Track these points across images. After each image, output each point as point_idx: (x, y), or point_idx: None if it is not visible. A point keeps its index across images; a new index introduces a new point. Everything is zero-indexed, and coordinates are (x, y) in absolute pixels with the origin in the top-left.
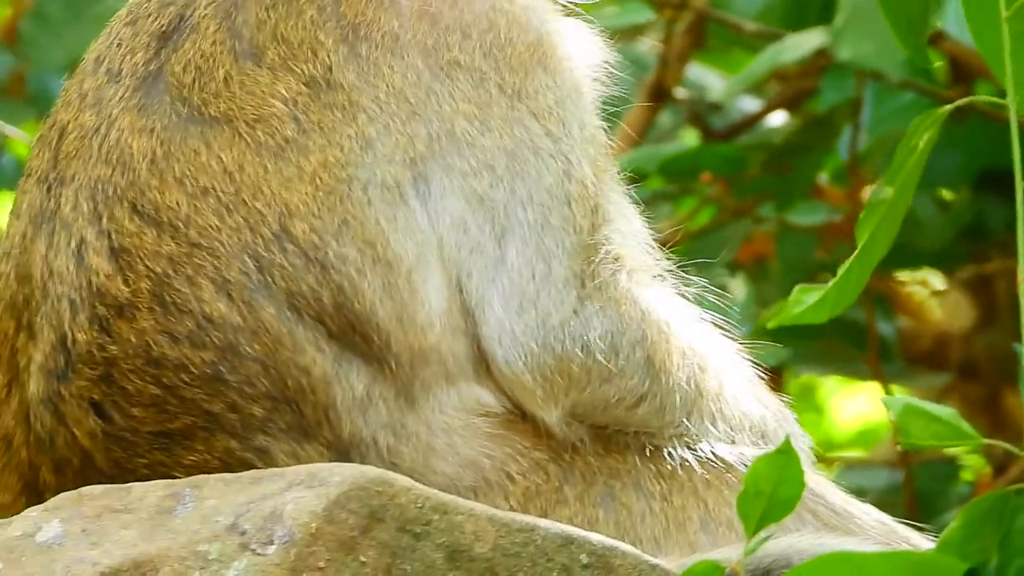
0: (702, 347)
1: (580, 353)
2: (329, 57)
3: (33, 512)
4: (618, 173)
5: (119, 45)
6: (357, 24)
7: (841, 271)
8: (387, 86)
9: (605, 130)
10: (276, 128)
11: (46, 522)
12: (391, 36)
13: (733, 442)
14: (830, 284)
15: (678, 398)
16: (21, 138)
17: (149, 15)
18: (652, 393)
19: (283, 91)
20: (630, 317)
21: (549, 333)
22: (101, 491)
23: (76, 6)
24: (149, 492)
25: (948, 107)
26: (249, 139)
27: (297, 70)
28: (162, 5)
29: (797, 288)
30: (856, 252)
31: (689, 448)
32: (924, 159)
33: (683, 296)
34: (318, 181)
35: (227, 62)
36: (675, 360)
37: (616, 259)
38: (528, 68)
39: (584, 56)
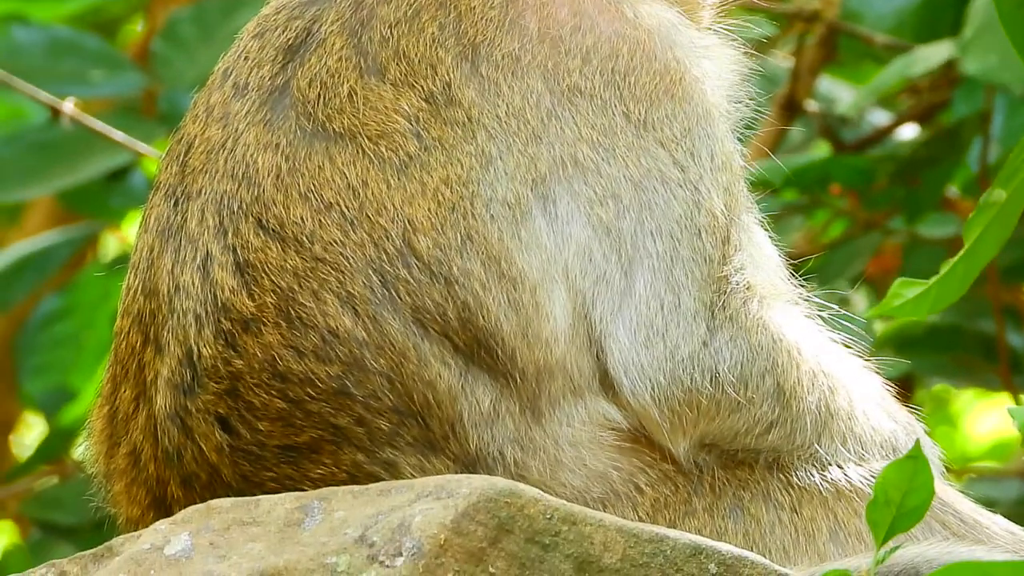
0: (833, 368)
1: (709, 385)
2: (449, 74)
3: (162, 525)
4: (750, 190)
5: (246, 58)
6: (477, 44)
7: (945, 269)
8: (507, 106)
9: (740, 152)
10: (399, 144)
11: (175, 535)
12: (511, 57)
13: (863, 459)
14: (932, 280)
15: (808, 422)
16: (152, 155)
17: (277, 28)
18: (782, 420)
19: (405, 107)
20: (760, 345)
21: (678, 366)
22: (230, 504)
23: (208, 25)
24: (277, 505)
25: None
26: (372, 155)
27: (418, 86)
28: (290, 19)
29: (898, 281)
30: (962, 251)
31: (819, 470)
32: None
33: (815, 314)
34: (440, 197)
35: (352, 78)
36: (805, 384)
37: (748, 287)
38: (654, 97)
39: (718, 75)
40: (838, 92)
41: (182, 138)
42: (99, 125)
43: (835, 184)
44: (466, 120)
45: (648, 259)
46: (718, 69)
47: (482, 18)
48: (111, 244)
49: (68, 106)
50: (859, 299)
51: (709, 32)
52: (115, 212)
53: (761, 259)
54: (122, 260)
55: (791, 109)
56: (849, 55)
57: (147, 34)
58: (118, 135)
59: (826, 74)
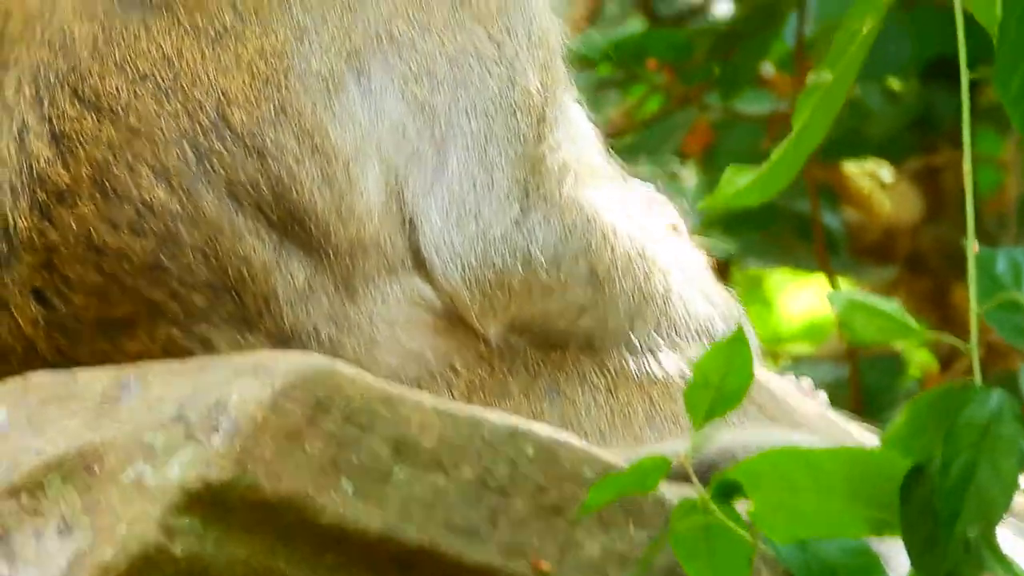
0: (650, 248)
1: (521, 267)
2: None
3: None
4: (567, 65)
5: None
6: None
7: (775, 154)
8: None
9: (558, 28)
10: (214, 14)
11: None
12: None
13: (678, 344)
14: (763, 167)
15: (621, 307)
16: None
17: None
18: (595, 303)
19: None
20: (574, 225)
21: (489, 246)
22: (47, 378)
23: None
24: (95, 380)
25: None
26: (188, 25)
27: None
28: None
29: (729, 169)
30: (791, 136)
31: (633, 355)
32: (867, 45)
33: (635, 185)
34: (255, 69)
35: None
36: (620, 267)
37: (563, 166)
38: None
39: None
40: None
41: (1, 7)
42: None
43: (651, 59)
44: None
45: (462, 137)
46: None
47: None
48: None
49: None
50: (687, 174)
51: None
52: None
53: (578, 137)
54: None
55: None
56: None
57: None
58: None
59: None
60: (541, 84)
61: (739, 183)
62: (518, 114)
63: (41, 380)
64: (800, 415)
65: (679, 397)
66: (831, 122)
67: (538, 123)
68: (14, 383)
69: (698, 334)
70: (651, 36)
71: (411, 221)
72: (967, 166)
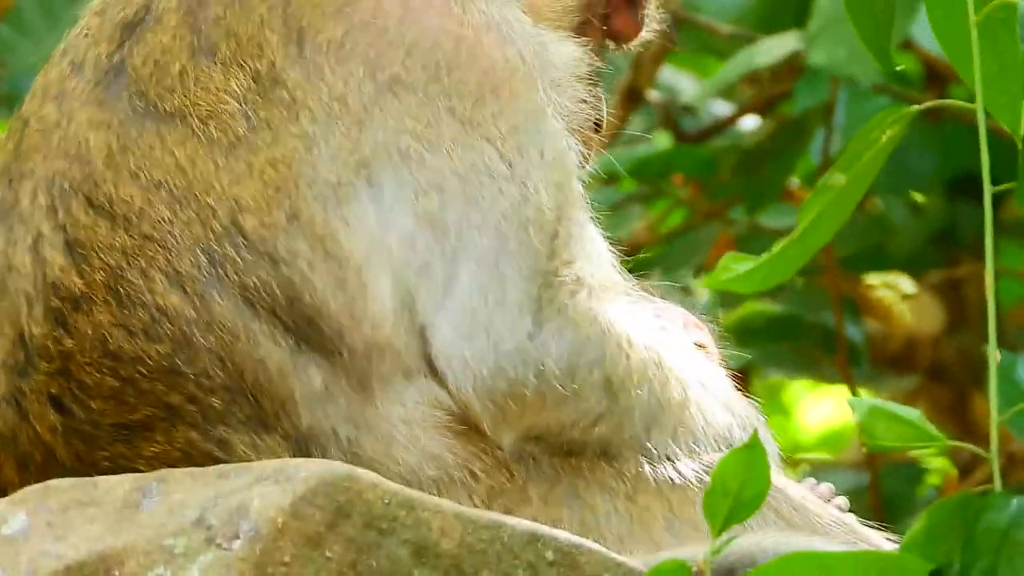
0: (666, 359)
1: (534, 378)
2: (274, 54)
3: None
4: (589, 183)
5: (86, 35)
6: (303, 27)
7: (777, 247)
8: (329, 89)
9: (575, 149)
10: (228, 124)
11: (12, 514)
12: (335, 43)
13: (696, 452)
14: (763, 257)
15: (637, 415)
16: None
17: (118, 5)
18: (610, 412)
19: (234, 87)
20: (588, 337)
21: (502, 359)
22: (68, 484)
23: (53, 11)
24: (116, 486)
25: (916, 107)
26: (202, 135)
27: (246, 66)
28: None
29: (728, 255)
30: (796, 231)
31: (650, 462)
32: (886, 153)
33: (651, 304)
34: (267, 177)
35: (184, 56)
36: (635, 377)
37: (577, 280)
38: (479, 95)
39: (552, 71)
40: (680, 82)
41: (19, 117)
42: None
43: (677, 174)
44: (291, 101)
45: (474, 251)
46: (557, 66)
47: (309, 3)
48: None
49: None
50: (704, 290)
51: (550, 27)
52: None
53: (593, 254)
54: None
55: (633, 98)
56: (691, 44)
57: None
58: None
59: (668, 63)
60: (556, 203)
61: (738, 269)
62: (531, 230)
63: (61, 486)
64: (819, 521)
65: (698, 503)
66: (841, 224)
67: (551, 240)
68: (35, 489)
69: (717, 442)
70: (677, 152)
71: (422, 331)
72: (989, 277)
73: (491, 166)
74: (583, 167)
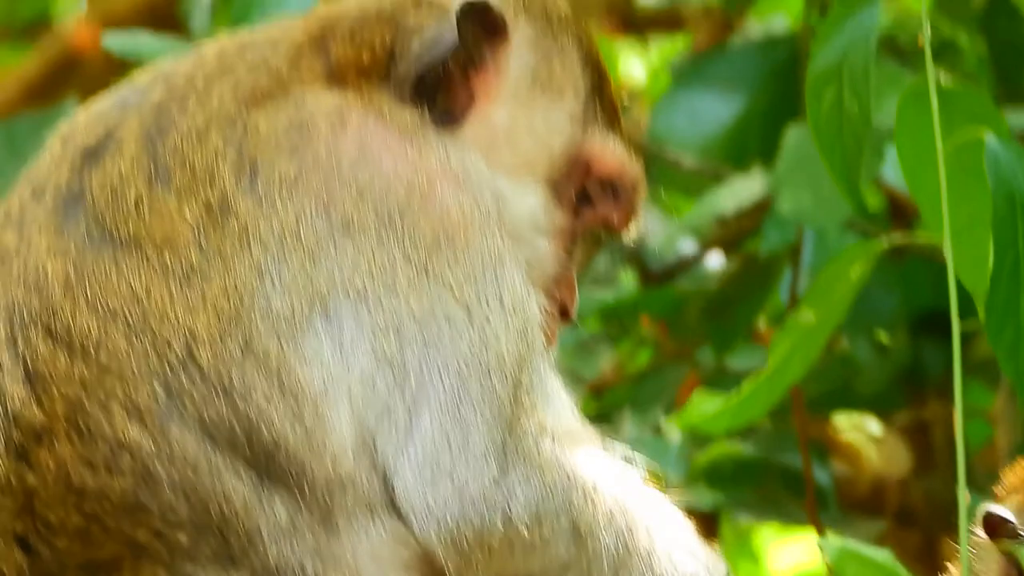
0: (632, 504)
1: (501, 525)
2: (225, 184)
3: None
4: (544, 329)
5: (49, 161)
6: (256, 160)
7: (748, 386)
8: (281, 223)
9: (535, 296)
10: (182, 253)
11: None
12: (288, 179)
13: None
14: (733, 396)
15: (605, 562)
16: None
17: (82, 130)
18: (577, 559)
19: (188, 216)
20: (555, 483)
21: (467, 505)
22: None
23: (15, 143)
24: None
25: (883, 243)
26: (156, 263)
27: (200, 195)
28: (95, 121)
29: (698, 394)
30: (766, 370)
31: None
32: (853, 292)
33: (614, 447)
34: (219, 308)
35: (141, 183)
36: (602, 523)
37: (540, 427)
38: (433, 242)
39: (510, 221)
40: (646, 218)
41: None
42: None
43: (644, 316)
44: (242, 231)
45: (435, 395)
46: (515, 217)
47: (265, 138)
48: None
49: None
50: (673, 428)
51: (518, 176)
52: None
53: (555, 400)
54: None
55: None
56: (655, 178)
57: None
58: None
59: None
60: (516, 349)
61: (708, 409)
62: (492, 376)
63: None
64: None
65: None
66: (811, 362)
67: (514, 387)
68: None
69: None
70: (645, 296)
71: (384, 476)
72: (959, 420)
73: (449, 312)
74: (545, 315)
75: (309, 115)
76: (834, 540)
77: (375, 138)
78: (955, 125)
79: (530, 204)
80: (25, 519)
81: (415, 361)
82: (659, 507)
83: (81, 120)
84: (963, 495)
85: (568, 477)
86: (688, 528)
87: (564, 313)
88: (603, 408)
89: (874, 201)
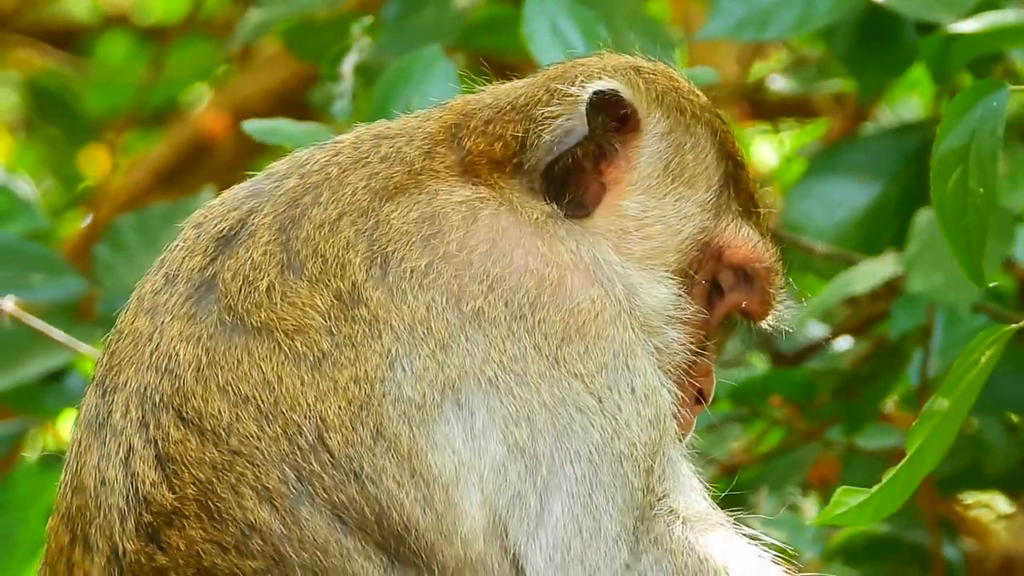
0: None
1: None
2: (356, 274)
3: None
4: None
5: (181, 247)
6: (388, 252)
7: (887, 477)
8: (412, 313)
9: (668, 387)
10: (313, 340)
11: None
12: (419, 271)
13: None
14: (874, 489)
15: None
16: (90, 354)
17: (215, 218)
18: None
19: (319, 303)
20: (687, 566)
21: None
22: None
23: (150, 231)
24: None
25: (1013, 326)
26: (288, 350)
27: (331, 285)
28: (229, 210)
29: (840, 489)
30: (904, 459)
31: None
32: (985, 375)
33: (749, 526)
34: (351, 395)
35: (272, 272)
36: None
37: (671, 512)
38: (564, 335)
39: (642, 312)
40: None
41: (115, 329)
42: (39, 324)
43: (775, 396)
44: (372, 319)
45: (566, 483)
46: (647, 308)
47: (397, 230)
48: (47, 441)
49: (8, 304)
50: (809, 506)
51: (649, 266)
52: (50, 412)
53: (686, 487)
54: (57, 457)
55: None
56: (789, 263)
57: (87, 238)
58: (57, 334)
59: None
60: (648, 437)
61: (850, 503)
62: (624, 463)
63: None
64: None
65: None
66: (946, 448)
67: (646, 474)
68: None
69: None
70: (775, 376)
71: (514, 561)
72: None
73: (580, 401)
74: (678, 409)
75: (441, 208)
76: None
77: (506, 231)
78: None
79: (662, 294)
80: None
81: (547, 450)
82: None
83: (215, 208)
84: None
85: (700, 559)
86: None
87: (700, 400)
88: (736, 487)
89: (1006, 283)
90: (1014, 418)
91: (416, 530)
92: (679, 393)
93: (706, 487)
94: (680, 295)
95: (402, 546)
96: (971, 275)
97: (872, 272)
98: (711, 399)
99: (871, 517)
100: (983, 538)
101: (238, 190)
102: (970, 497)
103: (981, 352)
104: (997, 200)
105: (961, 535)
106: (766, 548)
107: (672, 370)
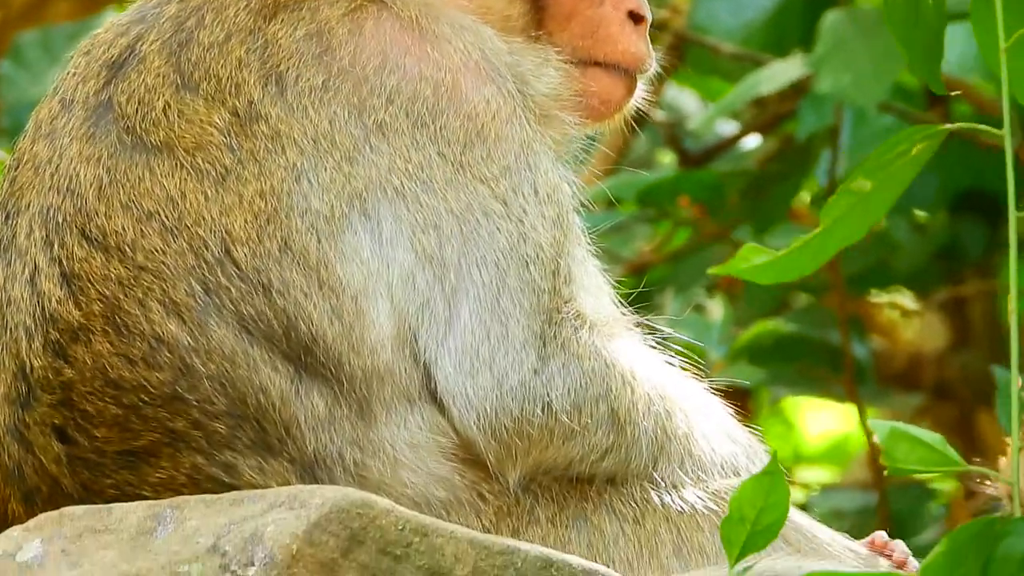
0: (670, 391)
1: (541, 413)
2: (251, 92)
3: (15, 532)
4: (588, 208)
5: (74, 75)
6: (281, 71)
7: (796, 243)
8: (315, 127)
9: (570, 182)
10: (215, 156)
11: (27, 542)
12: (317, 87)
13: (703, 480)
14: (782, 251)
15: (644, 446)
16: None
17: (103, 45)
18: (617, 445)
19: (217, 120)
20: (593, 371)
21: (506, 395)
22: (82, 511)
23: (53, 48)
24: (129, 513)
25: (948, 126)
26: (190, 167)
27: (228, 103)
28: (116, 36)
29: (746, 246)
30: (817, 229)
31: (657, 491)
32: (917, 168)
33: (654, 329)
34: (257, 208)
35: (167, 93)
36: (640, 409)
37: (578, 316)
38: (465, 140)
39: (536, 102)
40: (685, 102)
41: (14, 155)
42: None
43: (684, 197)
44: (274, 134)
45: (473, 288)
46: (540, 96)
47: (286, 50)
48: None
49: None
50: (714, 306)
51: (535, 48)
52: None
53: (593, 288)
54: None
55: (636, 118)
56: (696, 65)
57: None
58: None
59: (673, 82)
60: (553, 239)
61: (754, 260)
62: (531, 267)
63: (76, 513)
64: (829, 549)
65: (706, 528)
66: (868, 228)
67: (552, 276)
68: (48, 517)
69: (723, 469)
70: (684, 178)
71: (425, 367)
72: (1013, 301)
73: (486, 206)
74: (579, 197)
75: (325, 23)
76: (883, 421)
77: (394, 41)
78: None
79: (552, 77)
80: (62, 411)
81: (454, 256)
82: (697, 392)
83: (101, 35)
84: (1016, 377)
85: (607, 365)
86: (726, 412)
87: (636, 18)
88: (644, 288)
89: (912, 82)
90: (922, 217)
91: (324, 341)
92: (575, 179)
93: (613, 285)
94: (567, 74)
95: (310, 357)
96: (931, 83)
97: (779, 73)
98: (649, 63)
99: (772, 278)
100: (892, 337)
101: (123, 16)
102: (878, 295)
103: (911, 144)
104: (946, 7)
105: (870, 333)
106: (671, 352)
107: (568, 158)
